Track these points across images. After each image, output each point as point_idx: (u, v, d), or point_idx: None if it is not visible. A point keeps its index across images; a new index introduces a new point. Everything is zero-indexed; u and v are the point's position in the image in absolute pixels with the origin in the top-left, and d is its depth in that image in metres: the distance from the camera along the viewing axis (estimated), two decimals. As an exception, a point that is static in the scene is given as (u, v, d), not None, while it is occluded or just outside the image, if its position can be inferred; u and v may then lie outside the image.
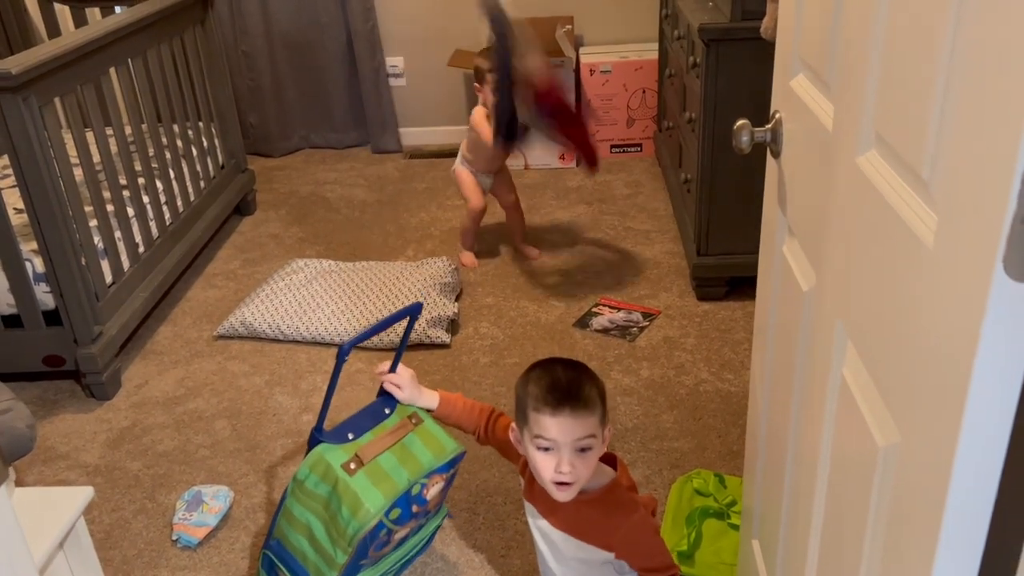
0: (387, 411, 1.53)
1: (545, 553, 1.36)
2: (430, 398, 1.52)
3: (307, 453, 1.50)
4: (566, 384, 1.23)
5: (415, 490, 1.47)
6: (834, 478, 0.96)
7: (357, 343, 1.45)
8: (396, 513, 1.45)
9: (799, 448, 1.11)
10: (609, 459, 1.35)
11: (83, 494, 1.15)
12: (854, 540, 0.86)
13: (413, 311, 1.53)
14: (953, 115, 0.63)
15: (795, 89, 1.09)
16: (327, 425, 1.50)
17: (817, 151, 0.99)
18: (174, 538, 1.86)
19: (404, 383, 1.51)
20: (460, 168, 2.94)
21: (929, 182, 0.67)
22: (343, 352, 1.42)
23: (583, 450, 1.22)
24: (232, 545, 1.85)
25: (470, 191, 2.94)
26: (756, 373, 1.39)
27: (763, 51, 1.89)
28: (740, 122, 1.15)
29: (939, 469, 0.65)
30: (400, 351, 1.57)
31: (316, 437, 1.48)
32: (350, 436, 1.48)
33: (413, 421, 1.52)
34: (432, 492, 1.50)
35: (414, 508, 1.48)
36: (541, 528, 1.35)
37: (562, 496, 1.24)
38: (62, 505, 1.12)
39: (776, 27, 1.20)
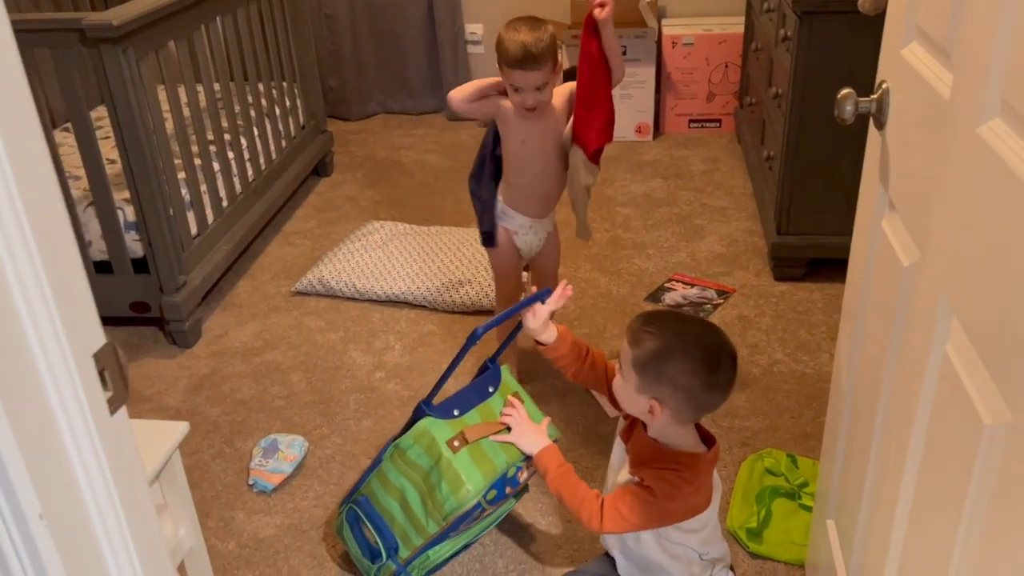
0: (491, 389, 1.57)
1: (614, 462, 1.49)
2: (550, 334, 1.50)
3: (409, 423, 1.54)
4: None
5: (511, 472, 1.51)
6: (928, 458, 0.94)
7: (490, 328, 1.44)
8: (492, 494, 1.50)
9: (887, 427, 1.09)
10: (708, 438, 1.39)
11: (179, 428, 1.20)
12: (948, 521, 0.84)
13: (542, 296, 1.52)
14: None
15: (907, 58, 1.05)
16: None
17: (929, 122, 0.96)
18: (250, 483, 1.93)
19: (540, 315, 1.49)
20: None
21: (1064, 150, 0.65)
22: (475, 337, 1.41)
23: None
24: (305, 493, 1.91)
25: (495, 259, 2.03)
26: (842, 350, 1.37)
27: (859, 24, 1.84)
28: (844, 91, 1.12)
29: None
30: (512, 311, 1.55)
31: (423, 410, 1.51)
32: (456, 412, 1.52)
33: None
34: (525, 475, 1.56)
35: (507, 490, 1.53)
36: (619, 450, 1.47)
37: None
38: (160, 438, 1.17)
39: (883, -4, 1.16)
